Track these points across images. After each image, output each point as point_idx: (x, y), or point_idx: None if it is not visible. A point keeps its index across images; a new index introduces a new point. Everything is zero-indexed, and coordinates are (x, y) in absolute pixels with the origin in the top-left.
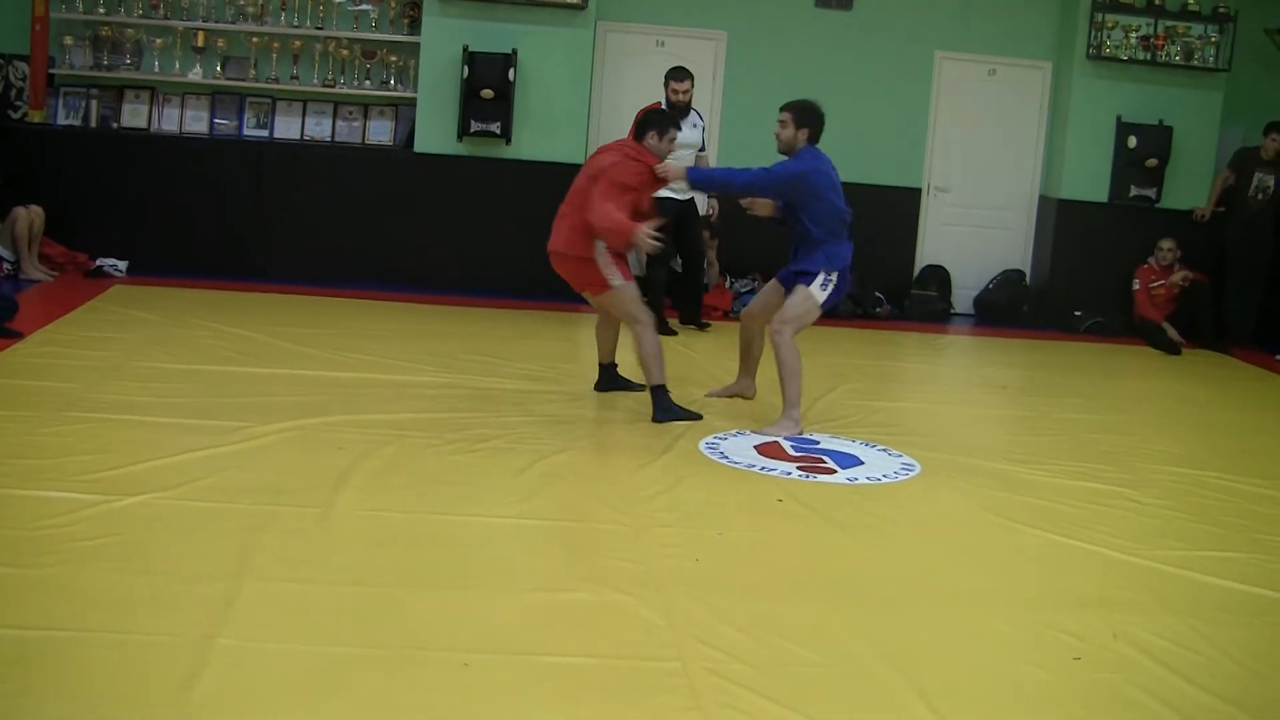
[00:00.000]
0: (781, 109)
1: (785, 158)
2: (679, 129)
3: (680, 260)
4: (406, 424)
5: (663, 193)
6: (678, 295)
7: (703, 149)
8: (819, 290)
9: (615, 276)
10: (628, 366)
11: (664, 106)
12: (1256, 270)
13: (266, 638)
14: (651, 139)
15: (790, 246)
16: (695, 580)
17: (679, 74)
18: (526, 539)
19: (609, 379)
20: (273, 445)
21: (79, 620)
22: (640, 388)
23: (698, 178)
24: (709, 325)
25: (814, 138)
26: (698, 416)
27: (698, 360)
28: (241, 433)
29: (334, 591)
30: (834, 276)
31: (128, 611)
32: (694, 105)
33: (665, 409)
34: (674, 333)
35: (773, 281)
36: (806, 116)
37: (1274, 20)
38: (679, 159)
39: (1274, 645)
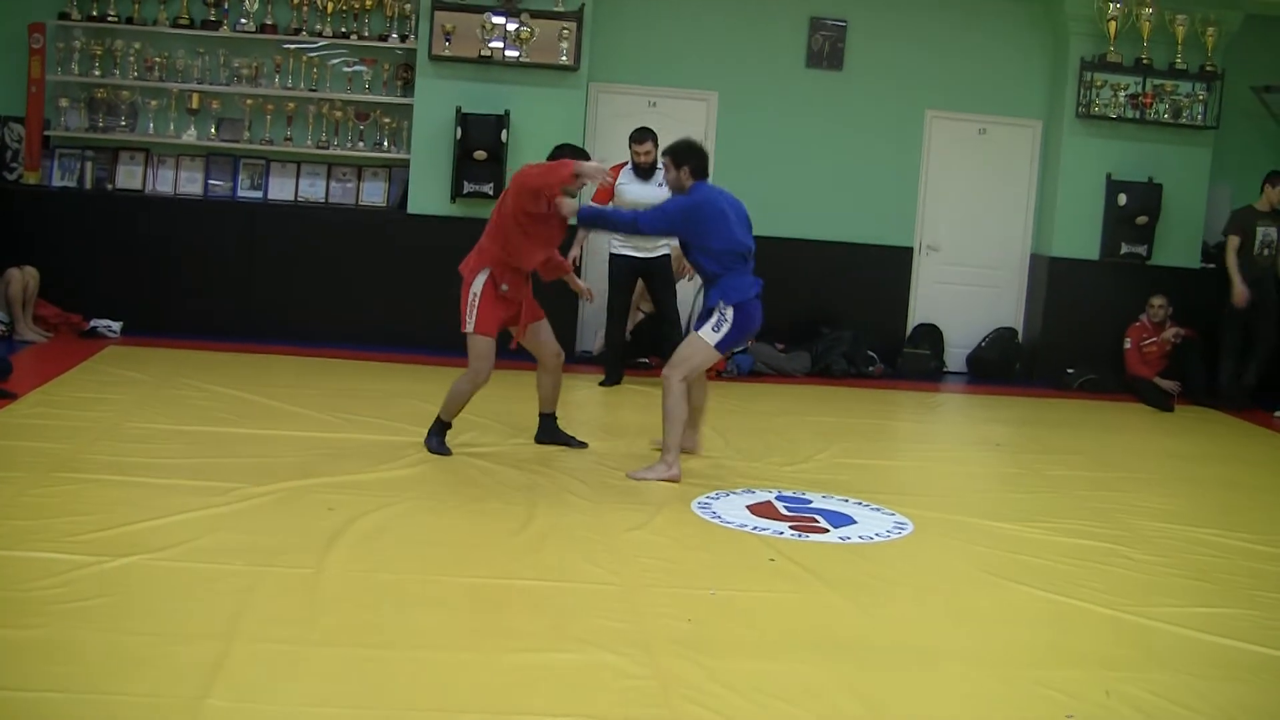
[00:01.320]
0: (662, 154)
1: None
2: (589, 159)
3: (659, 317)
4: (398, 484)
5: (623, 250)
6: (661, 353)
7: None
8: (711, 332)
9: (470, 322)
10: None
11: (630, 166)
12: (1269, 328)
13: (257, 698)
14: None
15: None
16: (687, 640)
17: (640, 135)
18: (517, 599)
19: (548, 431)
20: (264, 506)
21: (69, 682)
22: (581, 445)
23: (587, 215)
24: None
25: (698, 173)
26: (447, 453)
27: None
28: (233, 494)
29: (324, 653)
30: (729, 312)
31: (118, 673)
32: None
33: (434, 435)
34: (616, 382)
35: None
36: (683, 155)
37: (1261, 78)
38: None
39: (1270, 701)
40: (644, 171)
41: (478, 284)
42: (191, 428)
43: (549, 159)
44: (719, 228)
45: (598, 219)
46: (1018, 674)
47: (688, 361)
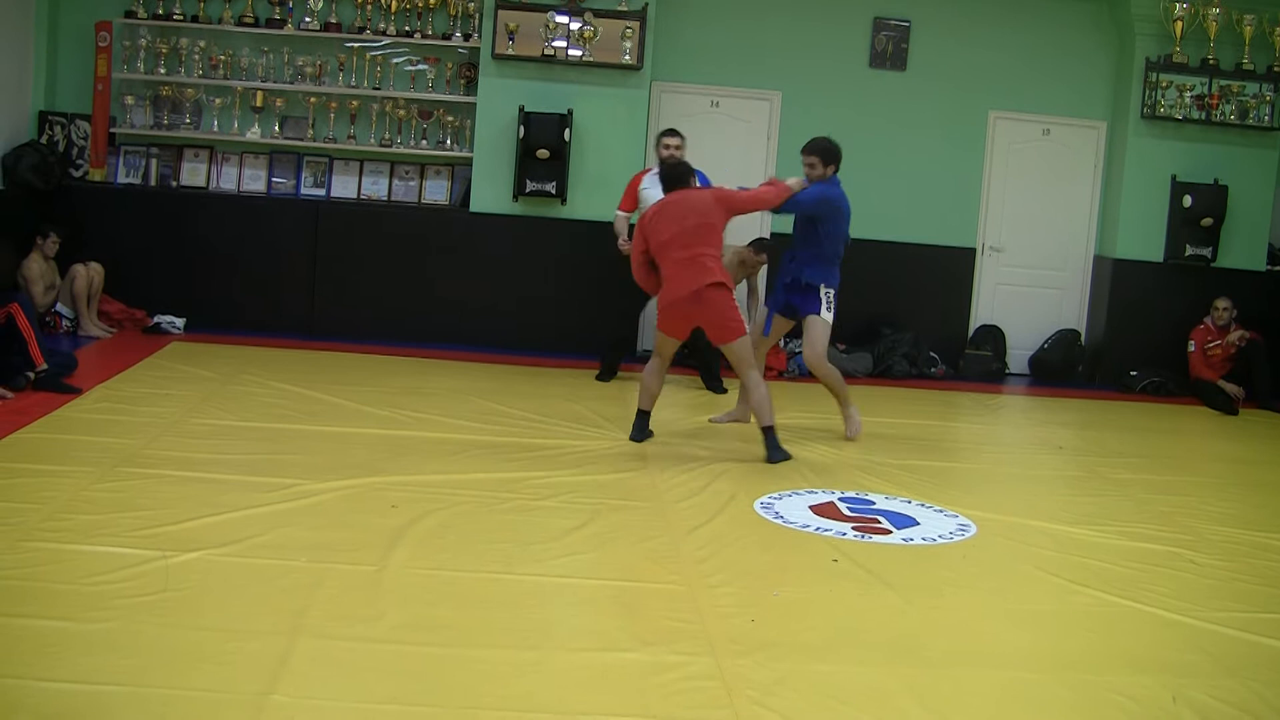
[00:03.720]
0: (805, 152)
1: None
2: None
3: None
4: (461, 482)
5: None
6: (697, 356)
7: None
8: (827, 312)
9: (744, 324)
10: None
11: (656, 166)
12: None
13: (321, 695)
14: (693, 183)
15: (788, 265)
16: (750, 641)
17: (671, 131)
18: (581, 598)
19: (646, 427)
20: (328, 503)
21: (133, 676)
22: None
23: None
24: (727, 390)
25: (836, 169)
26: (789, 456)
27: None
28: (297, 489)
29: (388, 649)
30: (832, 295)
31: (183, 667)
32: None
33: (777, 447)
34: (608, 379)
35: (775, 318)
36: (831, 155)
37: None
38: None
39: None
40: None
41: (734, 290)
42: (255, 424)
43: (675, 175)
44: (847, 220)
45: (794, 204)
46: (1082, 678)
47: (820, 341)
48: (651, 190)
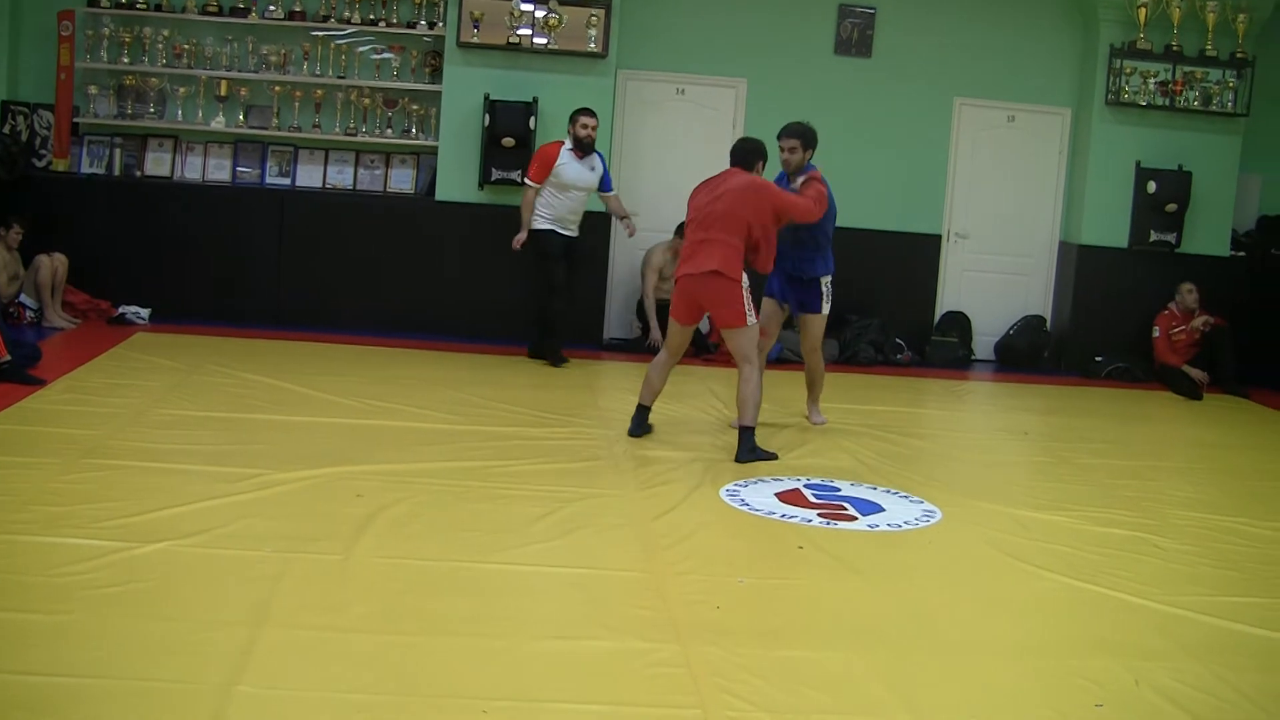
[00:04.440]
0: (785, 136)
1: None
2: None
3: (561, 293)
4: (427, 471)
5: (551, 227)
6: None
7: (609, 190)
8: (827, 306)
9: (751, 314)
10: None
11: (569, 143)
12: None
13: (287, 685)
14: (760, 168)
15: (780, 262)
16: (716, 628)
17: (588, 110)
18: (547, 586)
19: (647, 421)
20: (293, 493)
21: (99, 667)
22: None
23: None
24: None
25: (813, 153)
26: (774, 456)
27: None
28: (262, 480)
29: (354, 639)
30: (829, 286)
31: (148, 658)
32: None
33: (750, 449)
34: (559, 363)
35: (772, 303)
36: (811, 139)
37: None
38: (572, 201)
39: None
40: (583, 149)
41: (745, 280)
42: (220, 414)
43: (744, 150)
44: (834, 204)
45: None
46: (1047, 662)
47: (819, 334)
48: (567, 166)
